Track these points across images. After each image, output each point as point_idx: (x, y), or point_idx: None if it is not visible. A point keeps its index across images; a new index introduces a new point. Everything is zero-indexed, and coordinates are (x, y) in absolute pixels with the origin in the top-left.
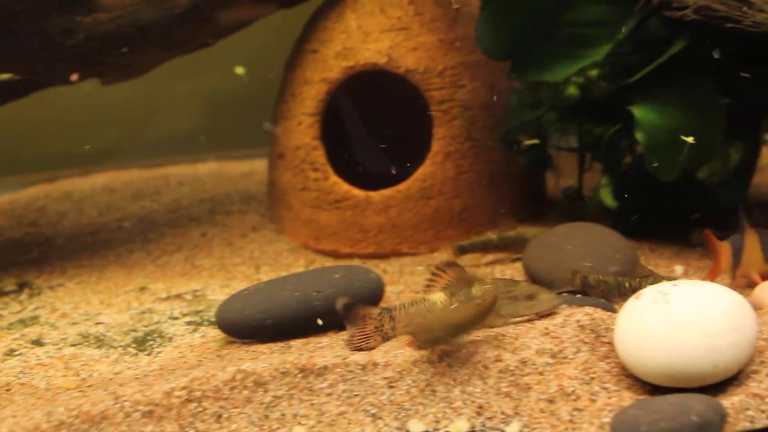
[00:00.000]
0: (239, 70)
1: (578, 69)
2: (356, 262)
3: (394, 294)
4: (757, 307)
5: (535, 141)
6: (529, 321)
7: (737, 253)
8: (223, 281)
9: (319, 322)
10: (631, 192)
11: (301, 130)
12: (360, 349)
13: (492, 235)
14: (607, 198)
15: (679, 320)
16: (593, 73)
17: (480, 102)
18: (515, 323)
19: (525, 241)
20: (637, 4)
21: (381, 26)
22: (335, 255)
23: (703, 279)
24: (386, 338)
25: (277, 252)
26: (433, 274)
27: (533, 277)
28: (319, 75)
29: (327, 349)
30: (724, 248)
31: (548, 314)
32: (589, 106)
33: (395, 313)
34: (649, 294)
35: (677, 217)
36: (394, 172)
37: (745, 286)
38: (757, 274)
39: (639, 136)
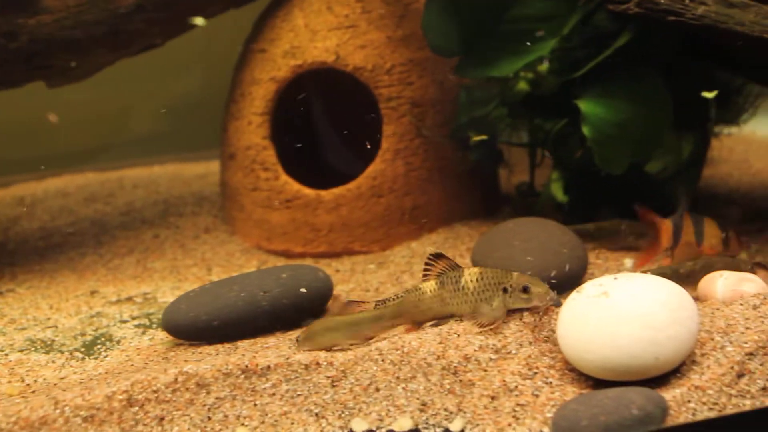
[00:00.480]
0: (198, 21)
1: (523, 64)
2: (308, 262)
3: (344, 292)
4: (703, 299)
5: (483, 137)
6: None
7: (677, 233)
8: (175, 283)
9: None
10: (581, 186)
11: (251, 130)
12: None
13: (589, 226)
14: (558, 192)
15: (620, 314)
16: (542, 68)
17: (429, 99)
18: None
19: (619, 231)
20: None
21: (329, 24)
22: (287, 255)
23: (643, 255)
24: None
25: (229, 253)
26: (426, 264)
27: None
28: (268, 74)
29: (273, 349)
30: (666, 225)
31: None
32: (538, 101)
33: (390, 303)
34: (589, 288)
35: (628, 210)
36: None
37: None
38: (690, 255)
39: (585, 130)
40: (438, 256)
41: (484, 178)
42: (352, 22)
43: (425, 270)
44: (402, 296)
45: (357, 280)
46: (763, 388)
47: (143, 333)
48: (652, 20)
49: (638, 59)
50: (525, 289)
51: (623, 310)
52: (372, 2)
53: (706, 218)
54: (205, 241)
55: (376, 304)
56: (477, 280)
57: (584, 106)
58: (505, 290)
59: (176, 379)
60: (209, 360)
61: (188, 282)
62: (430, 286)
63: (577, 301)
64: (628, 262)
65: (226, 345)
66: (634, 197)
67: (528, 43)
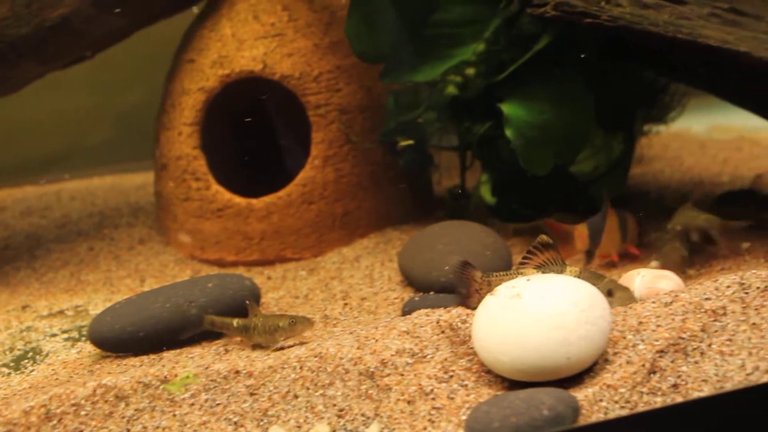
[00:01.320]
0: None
1: (446, 68)
2: (241, 270)
3: (274, 300)
4: (649, 296)
5: (410, 142)
6: None
7: (597, 234)
8: (107, 295)
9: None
10: (510, 187)
11: (182, 140)
12: (463, 305)
13: (525, 225)
14: (487, 194)
15: (531, 315)
16: (470, 71)
17: (357, 105)
18: None
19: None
20: (501, 2)
21: (255, 33)
22: (220, 264)
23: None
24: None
25: (163, 264)
26: (529, 252)
27: (408, 278)
28: (197, 84)
29: (196, 359)
30: (579, 231)
31: None
32: (466, 104)
33: (493, 279)
34: (503, 290)
35: (555, 210)
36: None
37: (604, 264)
38: (616, 252)
39: (508, 132)
40: (546, 246)
41: (415, 183)
42: (279, 30)
43: (526, 257)
44: (506, 274)
45: (287, 287)
46: (674, 385)
47: (72, 346)
48: (570, 23)
49: (561, 61)
50: (609, 293)
51: (534, 311)
52: (299, 10)
53: (629, 215)
54: (139, 252)
55: (482, 275)
56: (577, 275)
57: (507, 108)
58: None
59: (95, 392)
60: (131, 372)
61: (121, 294)
62: (530, 273)
63: (491, 304)
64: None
65: (152, 356)
66: (562, 197)
67: (450, 48)
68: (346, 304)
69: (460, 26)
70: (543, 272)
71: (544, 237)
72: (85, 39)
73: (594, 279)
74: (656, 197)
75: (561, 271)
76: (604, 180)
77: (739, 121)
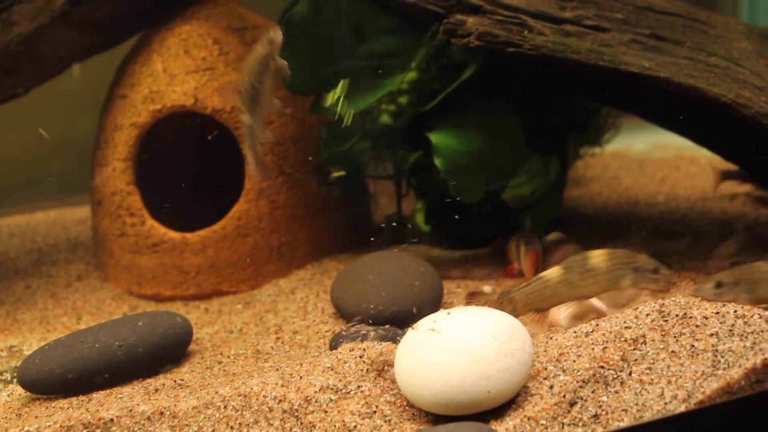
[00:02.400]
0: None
1: (375, 99)
2: (178, 305)
3: (208, 335)
4: (550, 324)
5: (342, 173)
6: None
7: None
8: (43, 334)
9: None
10: (444, 215)
11: (115, 176)
12: None
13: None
14: (421, 222)
15: (450, 349)
16: (403, 99)
17: (290, 136)
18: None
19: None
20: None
21: (186, 68)
22: (158, 299)
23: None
24: None
25: (100, 300)
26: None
27: (340, 311)
28: (129, 120)
29: (125, 399)
30: (531, 254)
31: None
32: (400, 133)
33: (514, 295)
34: (423, 323)
35: (489, 237)
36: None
37: None
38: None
39: (437, 161)
40: (561, 242)
41: (352, 212)
42: (210, 64)
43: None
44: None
45: (223, 322)
46: (595, 416)
47: (3, 389)
48: (493, 52)
49: (490, 89)
50: (655, 270)
51: (454, 344)
52: (229, 44)
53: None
54: (77, 289)
55: (500, 295)
56: (607, 260)
57: (435, 137)
58: (636, 269)
59: None
60: (57, 415)
61: (56, 332)
62: (554, 271)
63: (411, 337)
64: (487, 288)
65: (81, 397)
66: (492, 223)
67: (379, 79)
68: (278, 338)
69: (388, 57)
70: (568, 265)
71: (554, 234)
72: (12, 77)
73: (631, 256)
74: (594, 219)
75: (587, 258)
76: (540, 204)
77: (677, 139)
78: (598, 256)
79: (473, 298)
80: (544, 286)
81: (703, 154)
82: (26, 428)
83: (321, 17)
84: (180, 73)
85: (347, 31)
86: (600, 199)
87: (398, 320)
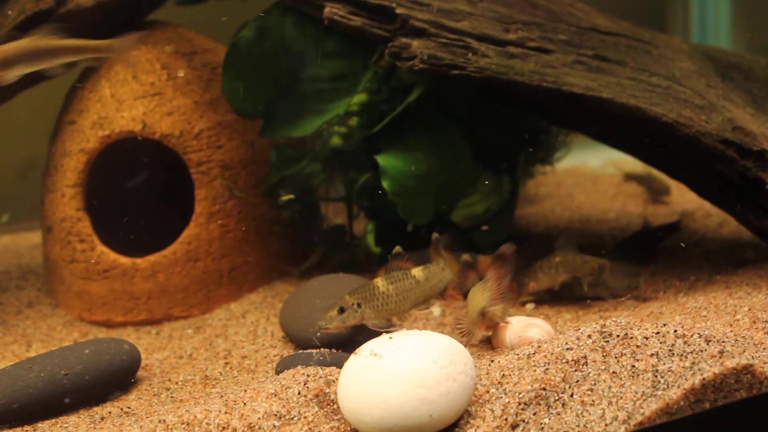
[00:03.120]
0: None
1: (322, 123)
2: (129, 331)
3: (158, 361)
4: (497, 345)
5: (291, 196)
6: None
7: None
8: None
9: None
10: (394, 236)
11: (65, 202)
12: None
13: None
14: (371, 243)
15: (390, 374)
16: (353, 122)
17: (240, 160)
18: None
19: None
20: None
21: (134, 93)
22: (109, 324)
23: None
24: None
25: (50, 327)
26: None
27: (289, 335)
28: (78, 146)
29: (71, 429)
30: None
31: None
32: (349, 155)
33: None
34: (365, 348)
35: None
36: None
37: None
38: None
39: (385, 183)
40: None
41: (303, 235)
42: (158, 89)
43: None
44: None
45: (173, 347)
46: None
47: None
48: (438, 74)
49: (436, 111)
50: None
51: (394, 369)
52: (177, 68)
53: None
54: (27, 316)
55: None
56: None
57: (382, 160)
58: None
59: None
60: None
61: (5, 361)
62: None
63: (353, 362)
64: (436, 310)
65: (26, 428)
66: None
67: (326, 102)
68: (227, 363)
69: (334, 81)
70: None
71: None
72: None
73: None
74: (545, 236)
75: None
76: (490, 223)
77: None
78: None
79: None
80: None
81: (656, 171)
82: None
83: (267, 41)
84: (128, 98)
85: (293, 55)
86: (552, 216)
87: (344, 344)
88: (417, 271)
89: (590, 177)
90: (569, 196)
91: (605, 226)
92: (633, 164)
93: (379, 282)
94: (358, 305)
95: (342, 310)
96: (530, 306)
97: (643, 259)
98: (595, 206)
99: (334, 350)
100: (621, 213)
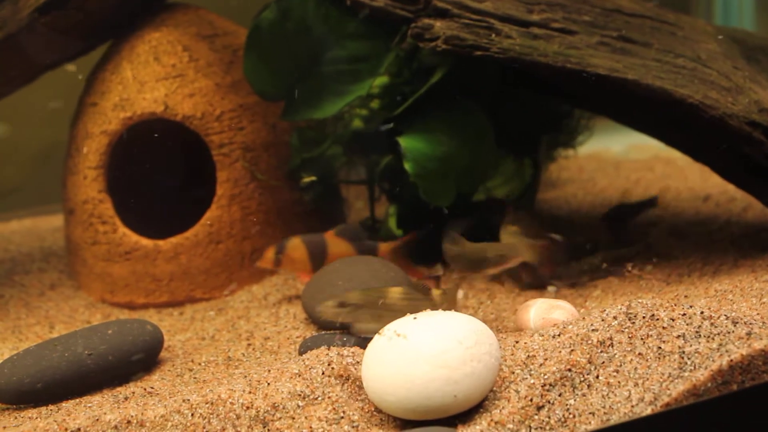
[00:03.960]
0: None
1: (345, 104)
2: (152, 313)
3: (180, 342)
4: (520, 328)
5: (312, 178)
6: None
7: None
8: (15, 344)
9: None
10: (416, 219)
11: (87, 184)
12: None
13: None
14: (394, 226)
15: (415, 354)
16: (374, 104)
17: (261, 142)
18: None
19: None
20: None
21: (156, 75)
22: (131, 306)
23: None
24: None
25: (73, 309)
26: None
27: (311, 316)
28: (99, 128)
29: (94, 409)
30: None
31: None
32: (371, 137)
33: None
34: (389, 329)
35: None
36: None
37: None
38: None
39: (407, 165)
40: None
41: (325, 217)
42: (180, 71)
43: None
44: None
45: (195, 329)
46: (562, 419)
47: None
48: (461, 55)
49: (459, 92)
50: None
51: (419, 350)
52: (199, 50)
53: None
54: (50, 298)
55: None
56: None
57: (405, 142)
58: None
59: None
60: (26, 425)
61: (28, 342)
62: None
63: (378, 342)
64: (460, 293)
65: (50, 407)
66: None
67: (348, 84)
68: (249, 344)
69: (356, 62)
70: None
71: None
72: None
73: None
74: (567, 220)
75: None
76: (512, 206)
77: (653, 140)
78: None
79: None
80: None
81: (679, 155)
82: None
83: (289, 23)
84: (150, 80)
85: (315, 36)
86: (575, 201)
87: None
88: (436, 294)
89: (612, 162)
90: (591, 180)
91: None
92: (655, 148)
93: (394, 293)
94: (358, 307)
95: (340, 306)
96: (552, 289)
97: (619, 236)
98: (618, 191)
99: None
100: (644, 198)
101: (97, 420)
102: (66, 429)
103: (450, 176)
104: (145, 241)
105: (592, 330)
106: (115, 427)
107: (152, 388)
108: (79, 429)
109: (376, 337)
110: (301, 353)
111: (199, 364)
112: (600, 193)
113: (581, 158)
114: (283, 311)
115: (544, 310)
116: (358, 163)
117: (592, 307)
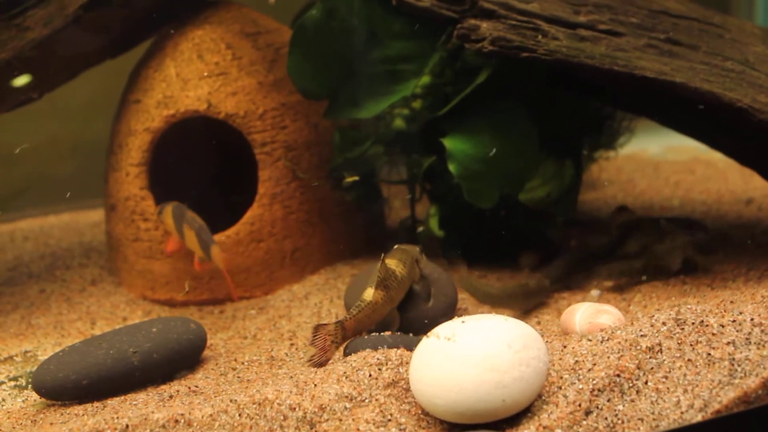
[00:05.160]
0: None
1: (388, 104)
2: (192, 310)
3: (222, 341)
4: (565, 332)
5: (355, 178)
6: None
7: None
8: (57, 339)
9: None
10: (457, 220)
11: (129, 181)
12: (320, 365)
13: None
14: (435, 227)
15: (465, 358)
16: (416, 104)
17: (303, 142)
18: None
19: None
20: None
21: (199, 73)
22: (171, 304)
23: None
24: (339, 345)
25: (114, 305)
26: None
27: None
28: (143, 125)
29: (140, 407)
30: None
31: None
32: (414, 137)
33: (346, 323)
34: (438, 332)
35: (505, 241)
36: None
37: None
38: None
39: (451, 166)
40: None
41: (365, 217)
42: (223, 69)
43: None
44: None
45: (236, 327)
46: (611, 425)
47: (18, 395)
48: (507, 57)
49: (503, 94)
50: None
51: (468, 353)
52: (242, 49)
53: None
54: (91, 294)
55: (335, 325)
56: (401, 264)
57: (449, 143)
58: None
59: None
60: (72, 422)
61: (71, 337)
62: (376, 294)
63: (426, 345)
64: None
65: (96, 404)
66: (507, 227)
67: (392, 84)
68: (292, 344)
69: (401, 62)
70: (382, 286)
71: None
72: (30, 82)
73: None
74: (607, 222)
75: (395, 273)
76: (554, 206)
77: (691, 141)
78: (396, 265)
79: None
80: (373, 310)
81: (719, 157)
82: None
83: (335, 22)
84: (193, 78)
85: (361, 35)
86: (615, 203)
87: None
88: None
89: (651, 163)
90: (630, 182)
91: (669, 214)
92: (694, 150)
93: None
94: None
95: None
96: (595, 292)
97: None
98: (658, 193)
99: (400, 333)
100: (685, 200)
101: (146, 419)
102: (115, 427)
103: (494, 178)
104: None
105: (641, 335)
106: (163, 425)
107: (196, 386)
108: (127, 427)
109: (424, 339)
110: (346, 354)
111: (242, 363)
112: (640, 196)
113: (619, 159)
114: (324, 311)
115: (591, 314)
116: (398, 163)
117: (636, 312)
